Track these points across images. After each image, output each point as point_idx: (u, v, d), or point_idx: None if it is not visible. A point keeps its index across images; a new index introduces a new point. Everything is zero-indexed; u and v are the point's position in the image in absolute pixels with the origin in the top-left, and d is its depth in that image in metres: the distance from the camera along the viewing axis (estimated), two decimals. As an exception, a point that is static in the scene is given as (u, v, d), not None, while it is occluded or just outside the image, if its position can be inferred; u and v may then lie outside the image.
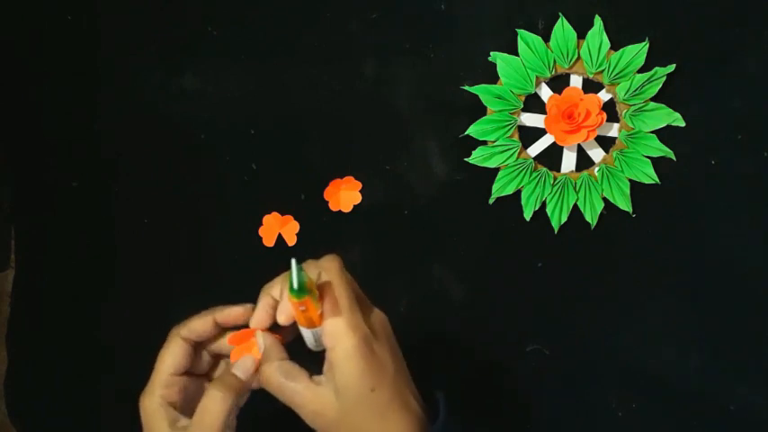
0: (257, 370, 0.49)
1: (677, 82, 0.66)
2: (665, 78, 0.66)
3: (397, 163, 0.69)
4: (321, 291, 0.47)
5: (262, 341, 0.49)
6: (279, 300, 0.49)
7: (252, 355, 0.50)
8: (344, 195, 0.69)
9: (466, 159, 0.68)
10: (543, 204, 0.68)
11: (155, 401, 0.49)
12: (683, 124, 0.66)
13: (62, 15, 0.71)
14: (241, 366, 0.49)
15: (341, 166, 0.69)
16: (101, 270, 0.71)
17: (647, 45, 0.65)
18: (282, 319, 0.48)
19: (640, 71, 0.66)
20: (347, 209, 0.69)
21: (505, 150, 0.68)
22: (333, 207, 0.69)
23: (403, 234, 0.69)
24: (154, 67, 0.70)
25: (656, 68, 0.66)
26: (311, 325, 0.47)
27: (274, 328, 0.50)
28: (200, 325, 0.50)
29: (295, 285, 0.44)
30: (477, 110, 0.68)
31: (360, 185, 0.69)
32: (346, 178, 0.69)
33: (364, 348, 0.46)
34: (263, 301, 0.50)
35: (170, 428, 0.48)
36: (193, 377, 0.51)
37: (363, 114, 0.69)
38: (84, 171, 0.71)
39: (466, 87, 0.68)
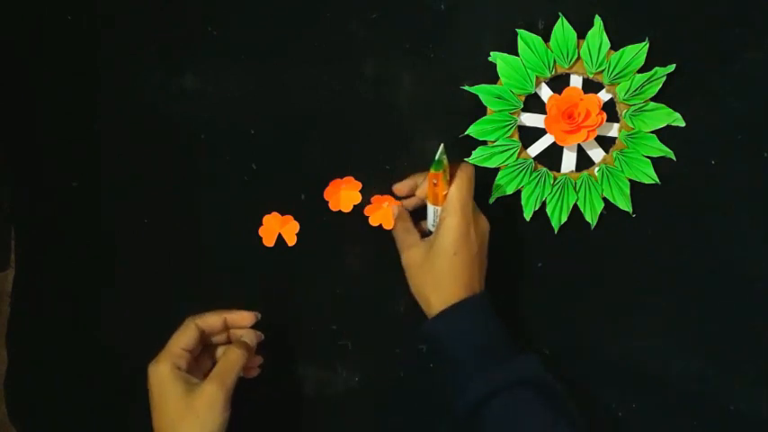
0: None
1: (677, 82, 0.66)
2: (665, 78, 0.66)
3: (397, 163, 0.69)
4: (452, 178, 0.61)
5: (396, 209, 0.67)
6: (419, 184, 0.66)
7: (257, 333, 0.64)
8: (344, 195, 0.69)
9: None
10: (543, 204, 0.68)
11: (167, 366, 0.59)
12: (683, 124, 0.66)
13: (62, 15, 0.71)
14: (249, 336, 0.63)
15: (341, 166, 0.69)
16: (101, 270, 0.71)
17: (647, 45, 0.65)
18: (420, 194, 0.65)
19: (640, 71, 0.66)
20: (347, 209, 0.69)
21: (505, 150, 0.68)
22: (333, 207, 0.69)
23: (403, 234, 0.69)
24: (154, 67, 0.70)
25: (656, 68, 0.66)
26: (436, 202, 0.62)
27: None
28: (213, 319, 0.63)
29: (440, 159, 0.60)
30: (477, 110, 0.68)
31: (360, 185, 0.69)
32: (346, 178, 0.69)
33: (464, 226, 0.61)
34: (408, 182, 0.67)
35: (185, 385, 0.59)
36: (196, 360, 0.63)
37: (363, 114, 0.69)
38: (84, 171, 0.71)
39: (466, 87, 0.68)
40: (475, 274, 0.62)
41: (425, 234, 0.66)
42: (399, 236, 0.66)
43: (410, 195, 0.67)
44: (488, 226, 0.64)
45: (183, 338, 0.61)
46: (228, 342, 0.64)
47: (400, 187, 0.67)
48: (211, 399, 0.58)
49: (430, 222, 0.65)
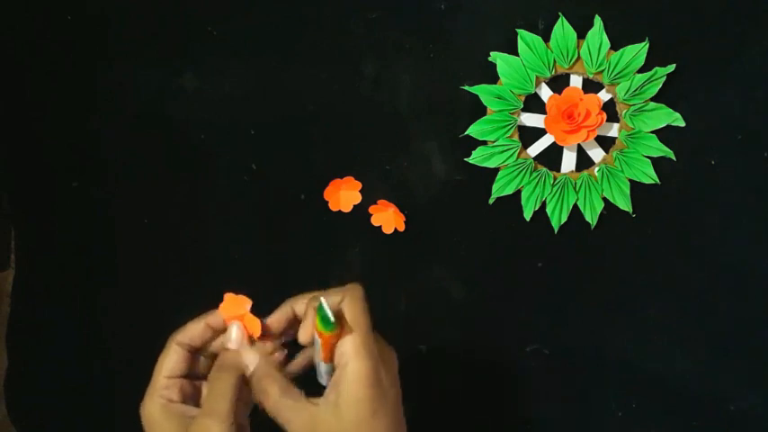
0: (249, 339, 0.51)
1: (677, 82, 0.66)
2: (664, 78, 0.66)
3: (397, 163, 0.69)
4: (342, 315, 0.48)
5: (251, 356, 0.50)
6: (301, 318, 0.50)
7: (238, 322, 0.51)
8: (344, 195, 0.69)
9: (466, 159, 0.68)
10: (543, 204, 0.68)
11: (156, 403, 0.50)
12: (683, 124, 0.66)
13: (62, 15, 0.71)
14: (231, 337, 0.51)
15: (341, 166, 0.69)
16: (101, 270, 0.71)
17: (647, 45, 0.65)
18: (303, 340, 0.50)
19: (640, 71, 0.66)
20: (347, 209, 0.69)
21: (505, 150, 0.68)
22: (333, 207, 0.69)
23: (403, 234, 0.69)
24: (154, 67, 0.70)
25: (656, 68, 0.66)
26: (328, 358, 0.48)
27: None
28: (194, 330, 0.52)
29: (331, 319, 0.46)
30: (477, 110, 0.68)
31: (360, 185, 0.69)
32: (346, 178, 0.69)
33: (373, 374, 0.47)
34: (284, 310, 0.51)
35: (179, 421, 0.48)
36: (192, 381, 0.52)
37: (363, 114, 0.69)
38: (84, 171, 0.71)
39: (466, 87, 0.68)
40: (400, 426, 0.49)
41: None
42: (282, 405, 0.48)
43: (283, 332, 0.52)
44: (394, 353, 0.51)
45: (167, 364, 0.51)
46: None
47: (272, 323, 0.51)
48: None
49: (322, 376, 0.50)
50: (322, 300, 0.46)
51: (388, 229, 0.69)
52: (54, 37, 0.71)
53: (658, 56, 0.65)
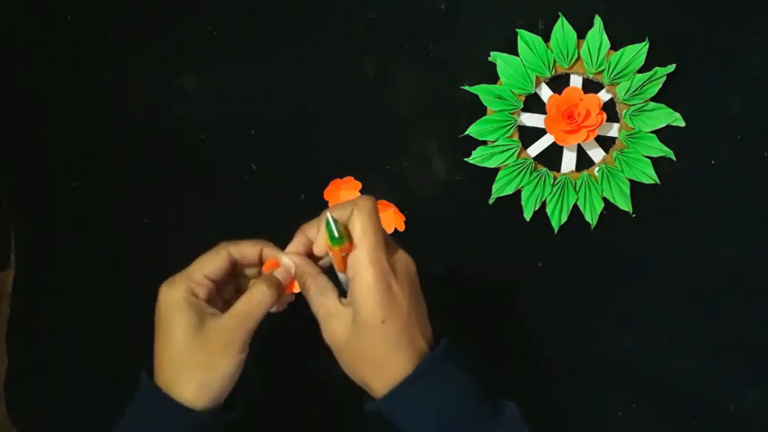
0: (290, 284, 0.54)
1: (677, 82, 0.66)
2: (664, 78, 0.66)
3: (397, 163, 0.69)
4: (352, 227, 0.50)
5: (292, 260, 0.54)
6: (313, 240, 0.53)
7: (288, 268, 0.54)
8: (344, 195, 0.69)
9: (466, 159, 0.68)
10: (543, 204, 0.68)
11: (181, 291, 0.52)
12: (683, 124, 0.66)
13: (62, 15, 0.71)
14: (281, 273, 0.54)
15: (341, 166, 0.69)
16: (101, 270, 0.71)
17: (647, 45, 0.65)
18: (318, 253, 0.53)
19: (640, 71, 0.66)
20: (347, 209, 0.69)
21: (505, 150, 0.68)
22: (333, 207, 0.69)
23: (403, 234, 0.69)
24: (154, 67, 0.70)
25: (656, 68, 0.66)
26: (343, 269, 0.51)
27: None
28: (248, 249, 0.55)
29: (336, 234, 0.49)
30: (477, 110, 0.68)
31: (360, 185, 0.69)
32: (346, 178, 0.69)
33: (381, 282, 0.49)
34: (299, 238, 0.54)
35: (198, 315, 0.51)
36: (220, 292, 0.55)
37: (363, 114, 0.69)
38: (84, 171, 0.71)
39: (466, 87, 0.68)
40: (415, 333, 0.51)
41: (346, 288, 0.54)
42: (314, 300, 0.52)
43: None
44: (411, 261, 0.52)
45: (210, 265, 0.53)
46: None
47: (292, 249, 0.54)
48: (227, 336, 0.50)
49: (345, 286, 0.54)
50: (328, 215, 0.50)
51: (388, 229, 0.69)
52: (54, 37, 0.71)
53: (658, 56, 0.66)
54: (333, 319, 0.51)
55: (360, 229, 0.50)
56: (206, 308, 0.52)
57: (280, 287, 0.53)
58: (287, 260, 0.54)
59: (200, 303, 0.52)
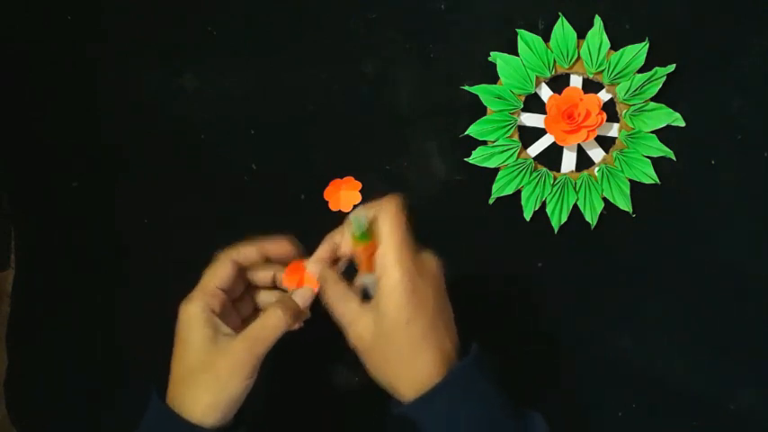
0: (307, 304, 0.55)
1: (677, 82, 0.66)
2: (664, 78, 0.66)
3: (397, 163, 0.69)
4: (378, 226, 0.51)
5: (316, 267, 0.55)
6: (340, 243, 0.55)
7: (311, 287, 0.55)
8: (344, 195, 0.69)
9: (466, 159, 0.68)
10: (543, 204, 0.68)
11: (199, 306, 0.53)
12: (683, 124, 0.66)
13: (62, 15, 0.71)
14: (300, 295, 0.55)
15: (341, 166, 0.69)
16: (101, 270, 0.71)
17: (647, 45, 0.65)
18: (344, 252, 0.54)
19: (640, 71, 0.66)
20: (347, 209, 0.69)
21: (505, 150, 0.68)
22: (333, 207, 0.69)
23: (403, 234, 0.69)
24: (154, 67, 0.70)
25: (656, 68, 0.66)
26: (370, 268, 0.52)
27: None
28: (250, 251, 0.56)
29: (359, 232, 0.50)
30: (477, 110, 0.68)
31: (360, 185, 0.69)
32: (346, 178, 0.69)
33: (407, 283, 0.49)
34: (325, 246, 0.55)
35: (213, 333, 0.52)
36: (232, 303, 0.56)
37: (363, 114, 0.69)
38: (84, 171, 0.71)
39: (466, 87, 0.68)
40: (441, 335, 0.51)
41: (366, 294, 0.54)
42: (336, 307, 0.53)
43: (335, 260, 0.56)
44: (437, 262, 0.53)
45: (218, 275, 0.54)
46: (273, 286, 0.57)
47: (321, 255, 0.55)
48: (236, 362, 0.51)
49: (371, 288, 0.54)
50: (351, 216, 0.51)
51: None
52: (54, 37, 0.71)
53: (658, 56, 0.66)
54: (358, 322, 0.51)
55: (386, 228, 0.50)
56: (221, 326, 0.53)
57: (297, 312, 0.54)
58: (313, 266, 0.55)
59: (216, 321, 0.53)
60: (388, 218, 0.51)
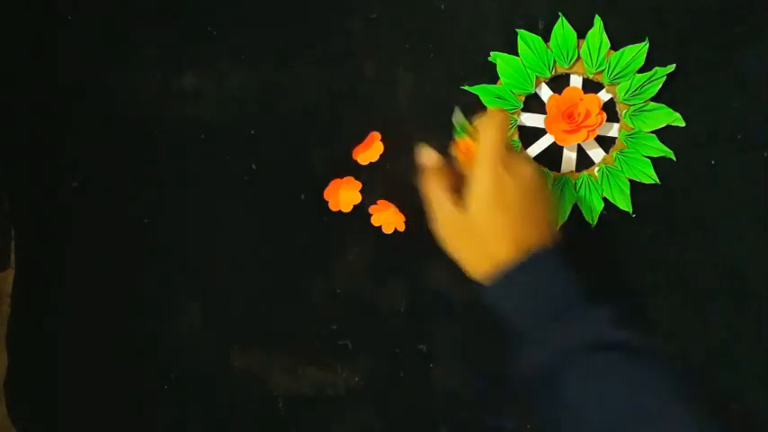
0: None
1: (677, 82, 0.66)
2: (664, 78, 0.66)
3: (397, 163, 0.69)
4: (479, 128, 0.59)
5: (432, 158, 0.63)
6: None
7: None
8: (344, 195, 0.69)
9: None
10: (543, 204, 0.68)
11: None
12: (683, 124, 0.66)
13: (62, 15, 0.71)
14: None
15: (341, 166, 0.69)
16: (101, 270, 0.71)
17: (647, 45, 0.65)
18: (454, 150, 0.62)
19: (640, 71, 0.66)
20: (347, 209, 0.69)
21: (505, 150, 0.68)
22: (333, 207, 0.69)
23: (403, 234, 0.69)
24: (154, 67, 0.70)
25: (656, 68, 0.66)
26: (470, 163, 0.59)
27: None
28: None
29: (456, 126, 0.61)
30: (477, 110, 0.68)
31: (360, 185, 0.69)
32: (346, 178, 0.69)
33: (492, 175, 0.57)
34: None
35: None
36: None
37: (363, 114, 0.69)
38: (84, 171, 0.71)
39: (466, 87, 0.68)
40: (524, 229, 0.57)
41: None
42: (432, 192, 0.61)
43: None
44: (532, 168, 0.59)
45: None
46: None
47: (429, 153, 0.63)
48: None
49: None
50: (454, 120, 0.61)
51: (388, 229, 0.69)
52: (54, 37, 0.71)
53: (658, 56, 0.66)
54: (446, 209, 0.59)
55: (486, 129, 0.58)
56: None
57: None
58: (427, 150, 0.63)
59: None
60: (488, 121, 0.59)
